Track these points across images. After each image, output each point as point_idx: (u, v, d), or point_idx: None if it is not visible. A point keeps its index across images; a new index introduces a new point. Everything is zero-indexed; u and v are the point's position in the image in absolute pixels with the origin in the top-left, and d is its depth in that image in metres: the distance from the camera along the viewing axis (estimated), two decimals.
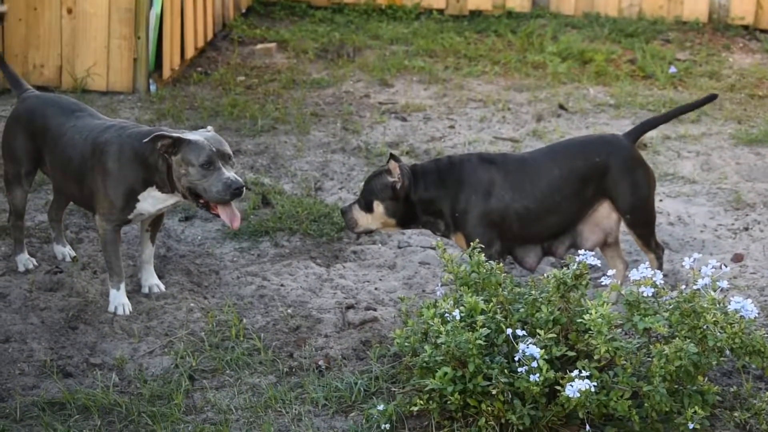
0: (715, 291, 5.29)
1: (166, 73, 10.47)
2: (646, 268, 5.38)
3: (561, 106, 10.16)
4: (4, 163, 7.05)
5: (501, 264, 5.68)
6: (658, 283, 5.34)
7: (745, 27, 12.69)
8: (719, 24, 12.69)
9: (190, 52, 11.03)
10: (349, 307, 6.66)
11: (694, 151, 9.22)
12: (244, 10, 12.94)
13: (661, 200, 8.20)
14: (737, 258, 7.39)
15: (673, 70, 11.22)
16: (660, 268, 6.60)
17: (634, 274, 5.36)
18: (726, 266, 5.41)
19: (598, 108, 10.22)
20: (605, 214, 6.58)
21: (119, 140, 6.37)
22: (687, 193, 8.40)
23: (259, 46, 11.78)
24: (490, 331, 5.31)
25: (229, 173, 6.17)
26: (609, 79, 11.05)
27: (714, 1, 12.71)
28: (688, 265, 5.36)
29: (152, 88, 10.21)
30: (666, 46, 12.06)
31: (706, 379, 5.32)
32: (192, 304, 6.58)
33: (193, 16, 11.02)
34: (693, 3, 12.70)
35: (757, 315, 5.26)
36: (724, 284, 5.32)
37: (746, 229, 7.83)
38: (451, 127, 9.70)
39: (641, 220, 6.64)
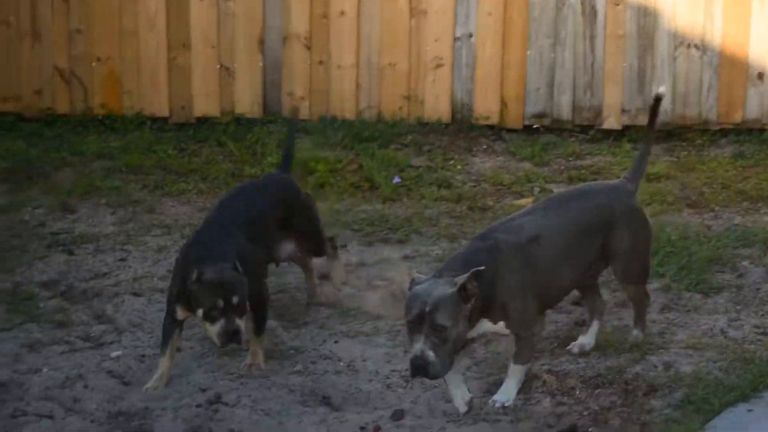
0: None
1: None
2: None
3: None
4: None
5: None
6: None
7: (491, 127, 11.83)
8: (462, 125, 11.80)
9: None
10: None
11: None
12: None
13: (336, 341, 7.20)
14: (397, 416, 6.39)
15: (397, 180, 10.28)
16: None
17: None
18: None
19: None
20: None
21: None
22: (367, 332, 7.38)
23: None
24: None
25: None
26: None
27: (457, 100, 11.84)
28: None
29: None
30: (402, 150, 11.11)
31: None
32: None
33: None
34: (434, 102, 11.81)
35: None
36: None
37: None
38: (122, 260, 8.51)
39: None
